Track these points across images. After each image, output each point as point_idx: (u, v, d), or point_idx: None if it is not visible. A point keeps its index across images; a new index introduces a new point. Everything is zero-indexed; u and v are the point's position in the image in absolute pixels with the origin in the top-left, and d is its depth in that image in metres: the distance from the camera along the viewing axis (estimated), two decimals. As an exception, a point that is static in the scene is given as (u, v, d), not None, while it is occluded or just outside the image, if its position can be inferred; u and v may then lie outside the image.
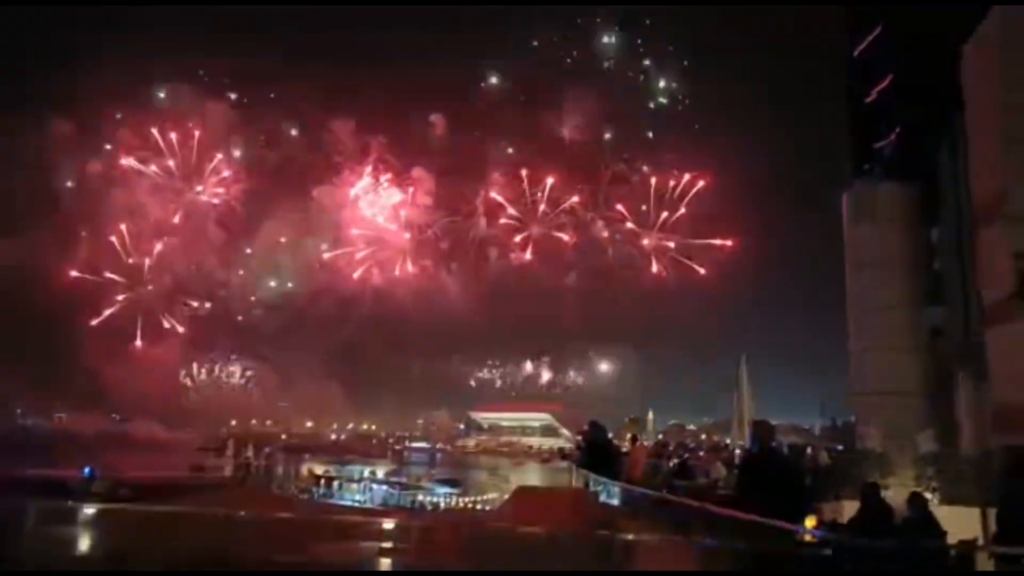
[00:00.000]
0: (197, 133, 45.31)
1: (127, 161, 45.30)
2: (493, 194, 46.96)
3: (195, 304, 45.53)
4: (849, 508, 12.88)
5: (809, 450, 20.72)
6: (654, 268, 45.77)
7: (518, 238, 46.85)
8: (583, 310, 47.97)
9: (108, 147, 45.03)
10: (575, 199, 46.78)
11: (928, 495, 14.38)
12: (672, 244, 46.03)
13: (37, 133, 40.92)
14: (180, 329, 46.61)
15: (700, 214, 46.15)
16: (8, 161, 39.34)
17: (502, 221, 47.21)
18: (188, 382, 48.57)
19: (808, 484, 14.27)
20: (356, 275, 46.65)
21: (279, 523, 9.60)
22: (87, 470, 29.57)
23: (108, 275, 44.61)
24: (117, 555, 11.24)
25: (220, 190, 46.37)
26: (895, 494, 13.95)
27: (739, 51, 47.72)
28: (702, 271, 45.36)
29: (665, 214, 46.08)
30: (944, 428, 19.98)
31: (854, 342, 22.62)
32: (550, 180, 46.49)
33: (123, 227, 44.24)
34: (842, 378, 24.01)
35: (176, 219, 46.12)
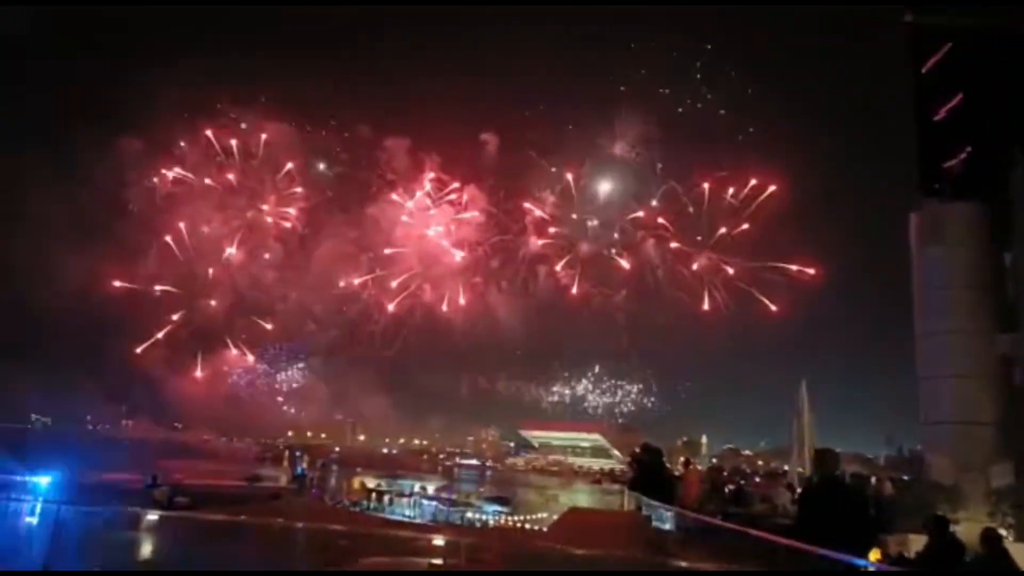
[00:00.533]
0: (264, 137, 46.79)
1: (184, 175, 47.10)
2: (539, 212, 46.98)
3: (268, 327, 46.90)
4: (916, 542, 12.35)
5: (873, 480, 19.93)
6: (705, 303, 44.26)
7: (559, 266, 46.57)
8: (635, 329, 47.31)
9: (168, 165, 46.87)
10: (640, 214, 46.06)
11: (1002, 531, 13.67)
12: (731, 270, 44.70)
13: (99, 148, 43.01)
14: (248, 354, 47.86)
15: (759, 237, 44.73)
16: (72, 176, 41.44)
17: (541, 242, 47.09)
18: (245, 393, 49.85)
19: (872, 516, 13.75)
20: (407, 292, 47.29)
21: (334, 535, 9.73)
22: (149, 478, 30.61)
23: (170, 289, 46.25)
24: (175, 561, 11.57)
25: (292, 210, 47.70)
26: (966, 529, 13.34)
27: (802, 69, 46.91)
28: (774, 308, 43.58)
29: (723, 230, 44.77)
30: (1019, 461, 19.02)
31: (922, 368, 21.78)
32: (603, 188, 46.03)
33: (186, 237, 45.92)
34: (909, 405, 23.11)
35: (238, 235, 47.67)
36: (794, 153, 42.63)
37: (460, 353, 48.17)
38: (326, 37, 53.07)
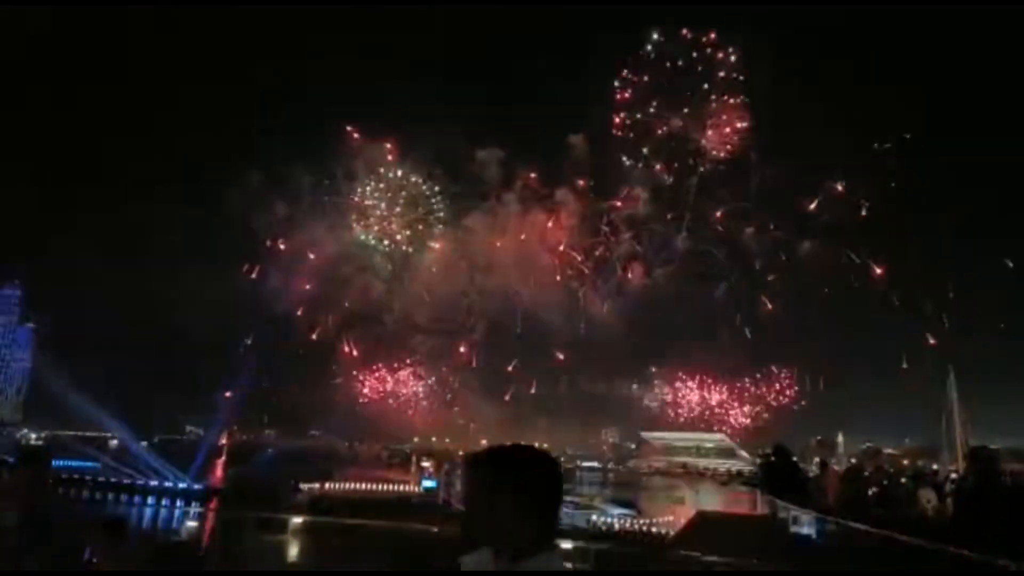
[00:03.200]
0: (363, 159, 48.68)
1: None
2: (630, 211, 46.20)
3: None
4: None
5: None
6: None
7: (638, 273, 45.24)
8: (752, 323, 45.05)
9: (283, 195, 49.36)
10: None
11: None
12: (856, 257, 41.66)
13: (223, 180, 46.12)
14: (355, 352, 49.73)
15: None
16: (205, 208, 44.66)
17: (634, 240, 46.10)
18: (368, 400, 51.76)
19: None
20: (506, 298, 47.68)
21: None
22: (292, 483, 32.61)
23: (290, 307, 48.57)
24: (318, 564, 12.27)
25: (395, 226, 49.33)
26: None
27: (923, 49, 43.24)
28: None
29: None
30: None
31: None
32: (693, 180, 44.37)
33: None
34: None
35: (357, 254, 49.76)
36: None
37: (575, 357, 47.78)
38: (413, 56, 54.98)
